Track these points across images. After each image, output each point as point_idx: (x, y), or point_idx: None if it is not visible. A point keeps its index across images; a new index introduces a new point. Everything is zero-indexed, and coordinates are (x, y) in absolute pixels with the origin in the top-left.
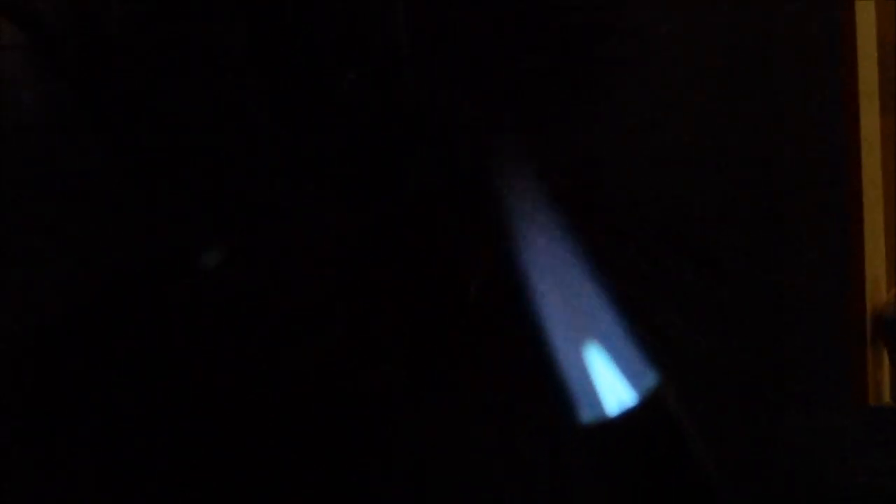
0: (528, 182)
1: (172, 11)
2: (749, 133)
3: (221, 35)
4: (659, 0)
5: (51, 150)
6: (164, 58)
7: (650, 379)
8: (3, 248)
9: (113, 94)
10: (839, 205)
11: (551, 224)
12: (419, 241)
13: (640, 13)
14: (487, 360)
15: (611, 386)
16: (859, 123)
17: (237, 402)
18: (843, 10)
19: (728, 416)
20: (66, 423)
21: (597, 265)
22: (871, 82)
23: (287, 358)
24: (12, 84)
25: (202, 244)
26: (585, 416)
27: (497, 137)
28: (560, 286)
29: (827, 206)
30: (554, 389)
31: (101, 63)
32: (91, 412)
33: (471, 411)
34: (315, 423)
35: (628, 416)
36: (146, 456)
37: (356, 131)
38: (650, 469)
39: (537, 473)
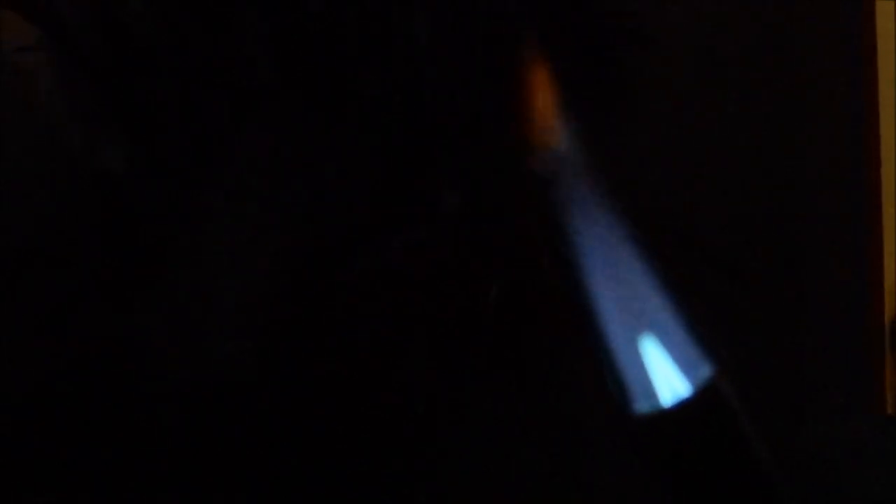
0: (556, 183)
1: (192, 7)
2: (766, 139)
3: (242, 30)
4: (673, 9)
5: (70, 147)
6: (184, 53)
7: (705, 369)
8: (15, 244)
9: (133, 89)
10: (858, 212)
11: (599, 213)
12: (447, 241)
13: (653, 21)
14: (539, 351)
15: (664, 376)
16: (879, 131)
17: (262, 404)
18: (863, 12)
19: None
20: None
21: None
22: (891, 85)
23: (313, 359)
24: (31, 83)
25: (221, 240)
26: (640, 406)
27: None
28: (613, 274)
29: (845, 213)
30: (607, 380)
31: (120, 60)
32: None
33: (521, 403)
34: (340, 422)
35: (683, 407)
36: (165, 452)
37: (378, 132)
38: (708, 459)
39: (591, 464)
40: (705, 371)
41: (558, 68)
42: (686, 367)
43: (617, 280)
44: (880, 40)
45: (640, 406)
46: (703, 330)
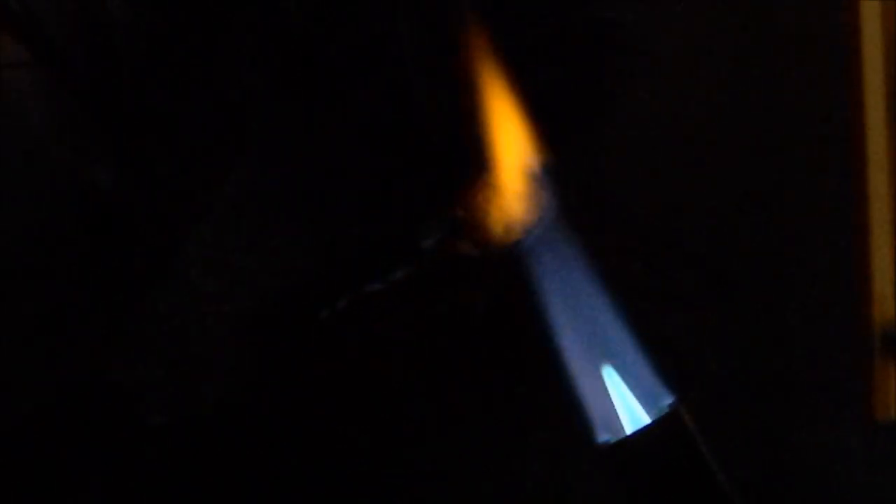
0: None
1: (179, 23)
2: (753, 145)
3: (230, 47)
4: (662, 17)
5: (59, 164)
6: (171, 70)
7: (665, 396)
8: (9, 263)
9: (121, 105)
10: (845, 219)
11: (560, 239)
12: (428, 253)
13: (642, 30)
14: (500, 378)
15: (626, 404)
16: (866, 138)
17: (255, 406)
18: (848, 12)
19: (733, 434)
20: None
21: (606, 281)
22: (877, 88)
23: (306, 365)
24: (19, 101)
25: (209, 256)
26: (601, 434)
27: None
28: (572, 303)
29: (834, 219)
30: (568, 408)
31: (107, 77)
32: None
33: (484, 424)
34: (332, 423)
35: (644, 435)
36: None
37: (367, 144)
38: (668, 487)
39: (553, 492)
40: (666, 399)
41: (545, 79)
42: (647, 397)
43: (579, 308)
44: (866, 42)
45: (603, 436)
46: (671, 353)
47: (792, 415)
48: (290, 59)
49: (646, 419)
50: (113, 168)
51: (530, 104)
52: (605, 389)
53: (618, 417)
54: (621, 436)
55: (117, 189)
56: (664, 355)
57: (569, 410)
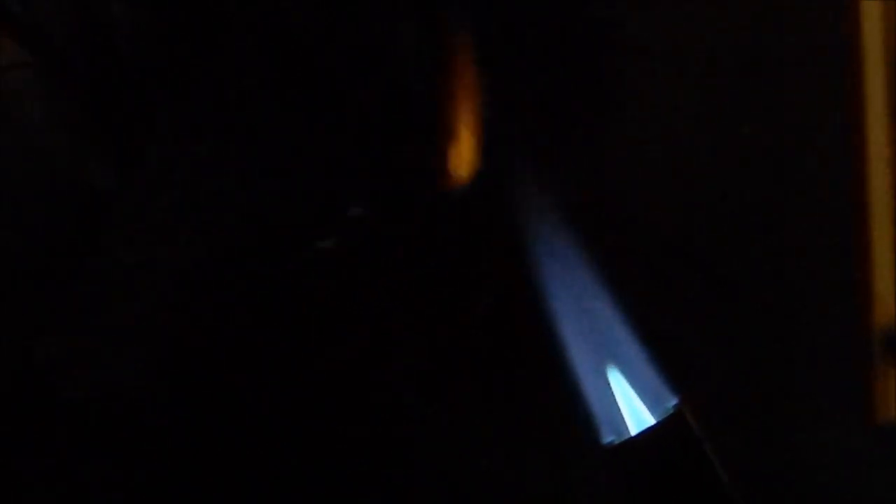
0: (539, 197)
1: (180, 23)
2: (754, 148)
3: (231, 48)
4: (662, 17)
5: (59, 165)
6: (172, 70)
7: (669, 397)
8: (8, 264)
9: (121, 107)
10: (846, 220)
11: (564, 240)
12: (431, 248)
13: (643, 30)
14: (504, 379)
15: (630, 405)
16: (866, 139)
17: (252, 400)
18: (848, 12)
19: (734, 434)
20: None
21: (609, 282)
22: (878, 88)
23: (306, 360)
24: (19, 101)
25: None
26: (606, 435)
27: (507, 153)
28: (577, 304)
29: (833, 222)
30: (572, 408)
31: (107, 77)
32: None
33: (486, 424)
34: (332, 420)
35: (649, 435)
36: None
37: (368, 142)
38: (672, 487)
39: (553, 492)
40: (670, 400)
41: (546, 79)
42: (651, 397)
43: (583, 309)
44: (866, 41)
45: (607, 437)
46: (674, 353)
47: (792, 415)
48: (290, 59)
49: (650, 420)
50: (113, 168)
51: (531, 104)
52: (610, 390)
53: (622, 418)
54: (626, 436)
55: (117, 189)
56: (668, 356)
57: (569, 410)
